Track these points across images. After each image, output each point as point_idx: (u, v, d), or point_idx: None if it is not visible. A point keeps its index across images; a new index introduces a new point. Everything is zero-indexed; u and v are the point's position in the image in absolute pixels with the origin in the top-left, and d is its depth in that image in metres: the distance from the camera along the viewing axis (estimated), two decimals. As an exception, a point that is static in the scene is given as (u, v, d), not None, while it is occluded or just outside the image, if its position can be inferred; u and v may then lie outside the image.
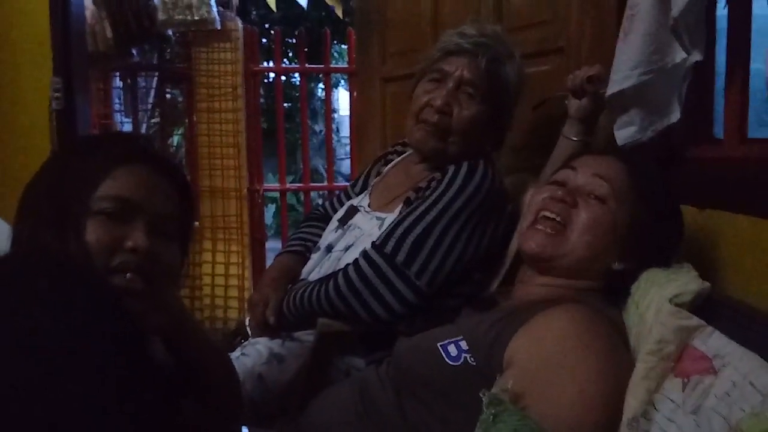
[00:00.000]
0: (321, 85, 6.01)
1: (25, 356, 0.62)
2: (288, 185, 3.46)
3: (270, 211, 5.36)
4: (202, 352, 0.98)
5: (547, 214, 1.05)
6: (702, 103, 1.28)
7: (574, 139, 1.30)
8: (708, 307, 0.84)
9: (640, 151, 1.20)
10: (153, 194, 0.85)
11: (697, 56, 1.06)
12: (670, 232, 1.06)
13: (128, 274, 0.78)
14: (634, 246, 1.02)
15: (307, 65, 3.32)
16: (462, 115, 1.31)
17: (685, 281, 0.87)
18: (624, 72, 1.13)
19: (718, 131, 1.27)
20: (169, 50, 3.11)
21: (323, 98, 4.48)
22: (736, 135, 1.17)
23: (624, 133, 1.17)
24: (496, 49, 1.33)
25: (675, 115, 1.12)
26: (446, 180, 1.28)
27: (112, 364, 0.64)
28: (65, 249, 0.77)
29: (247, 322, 1.47)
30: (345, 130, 5.89)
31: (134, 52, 2.98)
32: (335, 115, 6.80)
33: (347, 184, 1.76)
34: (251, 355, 1.33)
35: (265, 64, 3.94)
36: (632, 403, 0.79)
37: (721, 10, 1.21)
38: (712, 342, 0.76)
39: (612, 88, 1.16)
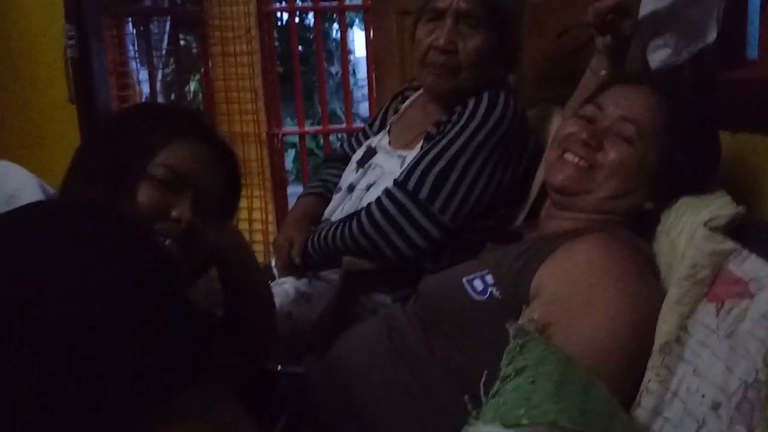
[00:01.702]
0: (335, 26, 5.89)
1: (61, 286, 0.63)
2: (306, 128, 3.43)
3: (289, 156, 5.36)
4: (248, 281, 1.02)
5: (570, 157, 1.02)
6: (735, 23, 1.22)
7: (602, 73, 1.25)
8: (743, 231, 0.82)
9: (673, 76, 1.16)
10: (205, 171, 0.89)
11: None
12: (704, 166, 1.03)
13: (168, 241, 0.83)
14: (666, 184, 0.99)
15: (320, 3, 3.23)
16: (468, 49, 1.27)
17: (719, 205, 0.85)
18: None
19: (752, 52, 1.22)
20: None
21: (338, 39, 4.39)
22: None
23: (658, 56, 1.12)
24: None
25: (711, 36, 1.07)
26: (467, 113, 1.25)
27: (145, 297, 0.65)
28: (113, 205, 0.79)
29: (273, 264, 1.48)
30: (361, 72, 5.80)
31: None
32: (351, 57, 6.69)
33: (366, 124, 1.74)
34: (279, 295, 1.35)
35: (278, 4, 3.85)
36: (664, 329, 0.78)
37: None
38: (748, 265, 0.74)
39: (645, 9, 1.10)
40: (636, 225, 1.01)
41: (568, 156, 1.02)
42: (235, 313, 1.05)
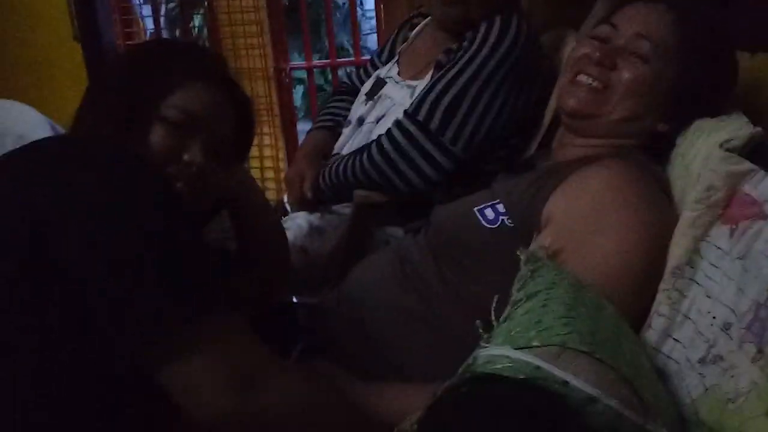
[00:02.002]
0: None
1: (75, 214, 0.64)
2: (314, 62, 3.37)
3: (298, 92, 5.28)
4: (257, 210, 1.03)
5: (583, 78, 0.99)
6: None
7: None
8: (759, 152, 0.80)
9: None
10: (218, 115, 0.88)
11: None
12: (721, 85, 1.00)
13: (178, 184, 0.82)
14: (681, 106, 0.96)
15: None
16: None
17: (736, 127, 0.83)
18: None
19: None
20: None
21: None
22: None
23: None
24: None
25: None
26: (478, 40, 1.22)
27: (158, 230, 0.66)
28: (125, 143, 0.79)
29: (285, 199, 1.49)
30: (369, 3, 5.64)
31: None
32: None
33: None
34: (292, 229, 1.36)
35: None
36: (677, 252, 0.78)
37: None
38: (764, 186, 0.73)
39: None
40: (650, 149, 1.00)
41: (582, 78, 1.00)
42: (248, 250, 1.07)
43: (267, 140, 2.95)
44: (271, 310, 1.12)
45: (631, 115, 0.98)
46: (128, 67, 0.92)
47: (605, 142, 1.01)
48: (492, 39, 1.21)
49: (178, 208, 0.71)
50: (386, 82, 1.40)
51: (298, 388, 0.73)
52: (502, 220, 0.96)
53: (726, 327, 0.67)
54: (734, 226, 0.73)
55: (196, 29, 3.32)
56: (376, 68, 1.52)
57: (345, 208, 1.34)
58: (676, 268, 0.76)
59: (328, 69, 3.41)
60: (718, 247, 0.73)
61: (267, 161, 2.98)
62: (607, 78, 0.98)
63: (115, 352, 0.65)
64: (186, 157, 0.83)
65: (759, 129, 0.83)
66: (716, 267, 0.72)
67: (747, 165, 0.76)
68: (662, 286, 0.78)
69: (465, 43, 1.24)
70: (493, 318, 0.70)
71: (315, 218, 1.37)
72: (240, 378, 0.67)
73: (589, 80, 0.99)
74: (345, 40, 5.61)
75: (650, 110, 0.98)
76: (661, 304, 0.77)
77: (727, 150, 0.78)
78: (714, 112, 0.94)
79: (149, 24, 3.00)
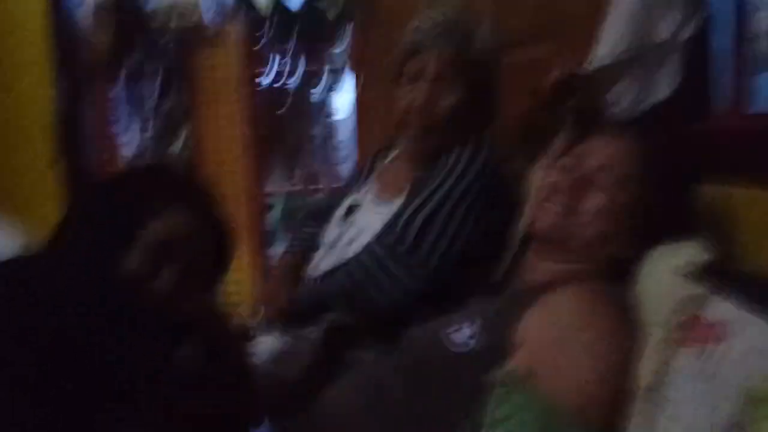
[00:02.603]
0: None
1: None
2: (290, 188, 3.45)
3: (274, 215, 5.34)
4: (223, 339, 1.01)
5: (551, 206, 1.04)
6: (699, 77, 1.27)
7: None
8: (718, 276, 0.83)
9: (642, 125, 1.19)
10: (196, 243, 0.89)
11: (689, 31, 1.06)
12: (681, 213, 1.06)
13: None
14: (644, 232, 1.01)
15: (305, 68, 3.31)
16: (445, 108, 1.30)
17: (692, 252, 0.87)
18: (609, 47, 1.12)
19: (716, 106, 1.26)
20: (166, 57, 3.10)
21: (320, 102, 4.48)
22: (735, 107, 1.17)
23: (617, 107, 1.16)
24: (457, 30, 1.31)
25: (665, 91, 1.11)
26: (447, 168, 1.28)
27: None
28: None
29: (254, 322, 1.47)
30: (347, 127, 5.86)
31: (132, 59, 2.97)
32: (331, 119, 6.75)
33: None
34: (261, 352, 1.33)
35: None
36: (644, 375, 0.78)
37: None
38: (723, 310, 0.75)
39: (597, 63, 1.15)
40: (616, 271, 1.03)
41: (550, 204, 1.04)
42: (214, 374, 1.04)
43: (241, 263, 2.96)
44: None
45: (597, 239, 1.02)
46: (106, 194, 0.93)
47: (571, 267, 1.04)
48: (460, 167, 1.27)
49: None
50: (359, 207, 1.44)
51: None
52: (471, 343, 0.96)
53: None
54: (698, 349, 0.74)
55: (179, 152, 3.39)
56: (349, 194, 1.57)
57: (315, 332, 1.33)
58: (645, 389, 0.77)
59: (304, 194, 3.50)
60: (685, 370, 0.74)
61: (242, 280, 2.97)
62: (574, 206, 1.02)
63: None
64: (157, 283, 0.83)
65: (716, 255, 0.86)
66: (683, 390, 0.73)
67: (704, 290, 0.79)
68: (633, 408, 0.78)
69: (435, 171, 1.30)
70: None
71: (284, 342, 1.35)
72: None
73: (558, 207, 1.03)
74: (322, 162, 5.77)
75: (615, 235, 1.02)
76: (633, 425, 0.76)
77: (686, 275, 0.81)
78: (673, 236, 0.98)
79: (129, 150, 3.06)
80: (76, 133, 2.00)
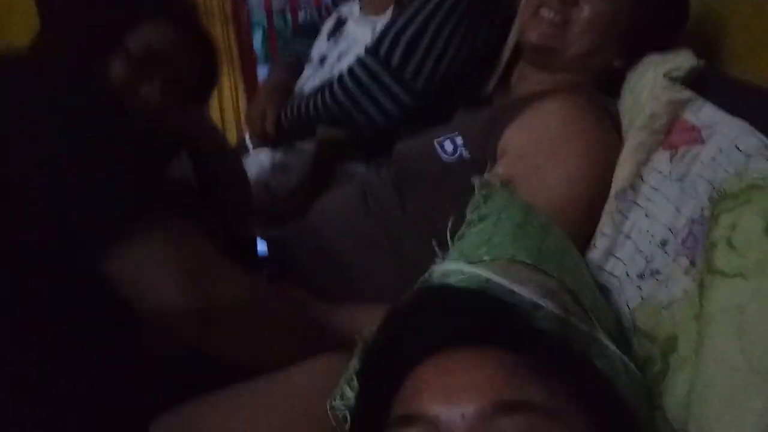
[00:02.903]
0: None
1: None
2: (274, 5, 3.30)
3: (257, 37, 5.14)
4: (216, 154, 1.03)
5: (545, 13, 1.02)
6: None
7: None
8: (701, 83, 0.84)
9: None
10: (181, 54, 0.87)
11: None
12: (672, 22, 1.04)
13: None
14: (637, 41, 1.00)
15: None
16: None
17: (681, 59, 0.87)
18: None
19: None
20: None
21: None
22: None
23: None
24: None
25: None
26: None
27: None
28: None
29: (247, 136, 1.49)
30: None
31: None
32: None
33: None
34: (254, 166, 1.37)
35: None
36: (620, 176, 0.82)
37: None
38: (703, 114, 0.77)
39: None
40: (604, 84, 1.04)
41: (543, 12, 1.02)
42: (208, 188, 1.07)
43: (226, 81, 2.91)
44: (234, 244, 1.14)
45: (590, 50, 1.01)
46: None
47: (563, 76, 1.04)
48: (451, -25, 1.21)
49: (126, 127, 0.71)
50: (347, 20, 1.40)
51: (247, 284, 0.72)
52: (461, 152, 0.99)
53: (663, 243, 0.73)
54: (674, 151, 0.77)
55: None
56: (337, 6, 1.52)
57: (308, 145, 1.36)
58: (619, 191, 0.81)
59: (288, 12, 3.34)
60: (659, 171, 0.78)
61: (226, 103, 2.94)
62: (568, 13, 1.00)
63: (64, 257, 0.64)
64: (143, 92, 0.83)
65: (702, 61, 0.87)
66: (656, 189, 0.77)
67: (688, 93, 0.80)
68: (606, 208, 0.83)
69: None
70: (448, 238, 0.74)
71: (277, 155, 1.38)
72: (188, 270, 0.65)
73: (551, 14, 1.01)
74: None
75: (608, 46, 1.01)
76: (604, 225, 0.81)
77: (670, 79, 0.82)
78: (667, 47, 0.98)
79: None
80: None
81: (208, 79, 0.99)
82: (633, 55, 1.00)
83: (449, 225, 0.76)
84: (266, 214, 1.31)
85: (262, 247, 1.26)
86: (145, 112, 0.83)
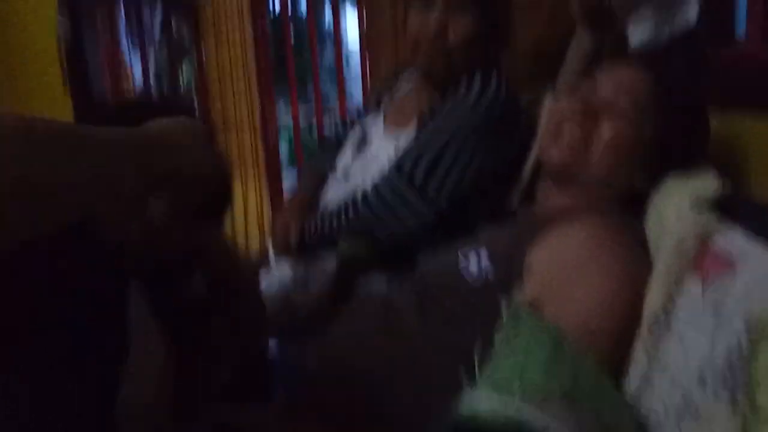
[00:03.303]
0: (327, 10, 5.85)
1: None
2: (300, 118, 3.43)
3: (283, 142, 5.34)
4: (229, 272, 1.02)
5: (566, 131, 1.03)
6: (723, 2, 1.23)
7: (585, 46, 1.27)
8: (729, 207, 0.83)
9: (661, 55, 1.17)
10: (193, 167, 0.84)
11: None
12: (694, 143, 1.05)
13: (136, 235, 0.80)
14: (658, 162, 1.01)
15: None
16: (458, 32, 1.28)
17: (706, 182, 0.87)
18: None
19: (740, 32, 1.23)
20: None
21: (331, 28, 4.39)
22: (759, 35, 1.14)
23: (638, 34, 1.13)
24: None
25: (691, 16, 1.08)
26: (460, 96, 1.27)
27: None
28: None
29: (269, 249, 1.50)
30: (355, 57, 5.77)
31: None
32: (344, 41, 6.63)
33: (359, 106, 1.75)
34: (275, 279, 1.37)
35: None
36: (652, 303, 0.80)
37: None
38: (733, 240, 0.76)
39: None
40: (629, 203, 1.03)
41: (565, 131, 1.03)
42: (219, 303, 1.06)
43: (251, 189, 2.98)
44: (247, 362, 1.11)
45: (611, 170, 1.02)
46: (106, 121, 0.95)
47: (587, 194, 1.05)
48: (473, 95, 1.25)
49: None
50: (371, 135, 1.44)
51: None
52: (486, 269, 0.98)
53: (701, 380, 0.69)
54: (706, 279, 0.75)
55: (184, 79, 3.38)
56: (361, 121, 1.56)
57: (330, 259, 1.36)
58: (651, 317, 0.78)
59: (314, 119, 3.48)
60: (691, 299, 0.76)
61: (251, 210, 3.00)
62: (588, 132, 1.01)
63: None
64: (154, 206, 0.84)
65: (728, 184, 0.86)
66: (690, 318, 0.74)
67: (716, 218, 0.79)
68: (638, 334, 0.80)
69: (447, 99, 1.29)
70: (476, 365, 0.72)
71: (299, 269, 1.38)
72: None
73: (572, 133, 1.02)
74: (331, 91, 5.72)
75: (630, 167, 1.02)
76: (638, 353, 0.78)
77: (697, 204, 0.82)
78: (687, 167, 0.97)
79: (137, 74, 3.04)
80: (82, 59, 1.98)
81: (221, 199, 0.99)
82: (656, 175, 1.00)
83: (476, 352, 0.73)
84: (285, 330, 1.29)
85: (277, 364, 1.23)
86: (155, 228, 0.82)
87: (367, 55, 2.56)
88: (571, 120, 1.03)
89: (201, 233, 0.96)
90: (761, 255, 0.71)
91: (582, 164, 1.03)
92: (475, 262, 1.00)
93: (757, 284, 0.67)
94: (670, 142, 1.01)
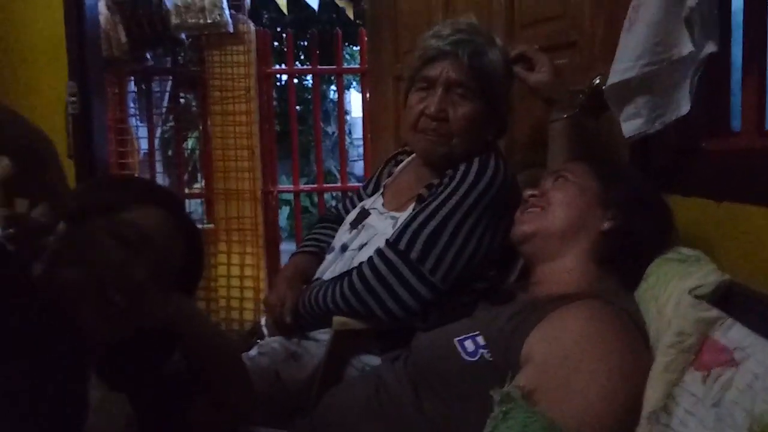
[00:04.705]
0: (333, 87, 6.02)
1: None
2: (301, 186, 3.47)
3: (284, 213, 5.39)
4: (209, 352, 1.00)
5: (523, 215, 1.15)
6: (718, 95, 1.26)
7: (556, 119, 1.33)
8: (728, 300, 0.82)
9: (654, 143, 1.19)
10: (167, 240, 0.89)
11: (711, 48, 1.05)
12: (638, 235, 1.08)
13: (117, 297, 0.80)
14: (611, 200, 1.08)
15: (319, 66, 3.33)
16: (458, 116, 1.31)
17: (705, 273, 0.86)
18: (626, 63, 1.11)
19: (736, 124, 1.25)
20: (182, 54, 3.13)
21: (335, 100, 4.50)
22: (754, 127, 1.16)
23: (631, 125, 1.15)
24: (474, 41, 1.31)
25: (684, 108, 1.10)
26: (458, 176, 1.28)
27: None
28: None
29: (263, 322, 1.47)
30: (358, 132, 5.90)
31: (148, 56, 3.01)
32: (348, 117, 6.81)
33: (360, 185, 1.76)
34: (268, 353, 1.34)
35: (278, 66, 3.96)
36: (652, 397, 0.78)
37: (737, 2, 1.20)
38: (733, 334, 0.75)
39: (612, 79, 1.14)
40: (621, 280, 1.05)
41: (526, 207, 1.17)
42: (200, 385, 1.03)
43: (249, 260, 2.98)
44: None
45: (570, 219, 1.09)
46: (93, 188, 0.96)
47: (570, 264, 1.07)
48: (471, 176, 1.27)
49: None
50: (370, 213, 1.44)
51: None
52: (482, 353, 0.96)
53: (703, 478, 0.66)
54: (707, 373, 0.74)
55: (189, 150, 3.44)
56: (361, 199, 1.57)
57: (323, 335, 1.33)
58: (652, 413, 0.76)
59: (315, 193, 3.51)
60: (692, 394, 0.74)
61: (247, 281, 2.98)
62: (541, 204, 1.13)
63: None
64: (130, 273, 0.82)
65: (727, 276, 0.86)
66: (691, 414, 0.72)
67: (716, 312, 0.78)
68: (639, 431, 0.77)
69: (445, 180, 1.30)
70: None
71: (292, 343, 1.35)
72: None
73: (531, 208, 1.14)
74: (333, 166, 5.82)
75: (586, 213, 1.08)
76: (639, 450, 0.76)
77: (696, 297, 0.81)
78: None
79: (143, 144, 3.10)
80: (90, 129, 2.02)
81: (194, 270, 0.99)
82: (617, 212, 1.06)
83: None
84: (275, 407, 1.25)
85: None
86: (127, 294, 0.81)
87: (368, 129, 2.62)
88: (525, 210, 1.16)
89: (174, 308, 0.95)
90: (762, 349, 0.69)
91: (543, 226, 1.10)
92: (471, 344, 0.98)
93: (757, 380, 0.66)
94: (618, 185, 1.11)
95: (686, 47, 1.04)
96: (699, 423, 0.71)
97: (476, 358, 0.96)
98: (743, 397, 0.67)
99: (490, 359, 0.95)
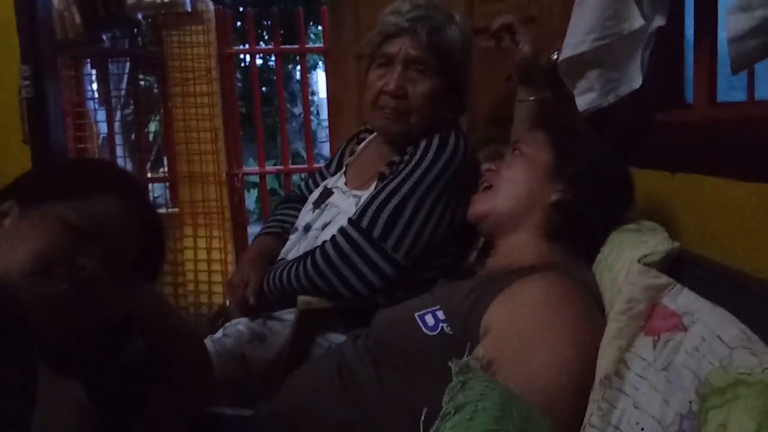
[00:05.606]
0: (299, 68, 5.96)
1: None
2: (267, 168, 3.45)
3: (252, 196, 5.34)
4: (169, 337, 0.99)
5: (475, 195, 1.19)
6: (672, 68, 1.28)
7: (522, 99, 1.35)
8: (678, 267, 0.85)
9: (611, 117, 1.20)
10: (123, 229, 0.87)
11: (659, 21, 1.06)
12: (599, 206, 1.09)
13: (64, 285, 0.78)
14: (562, 172, 1.09)
15: (281, 46, 3.29)
16: (417, 93, 1.31)
17: (656, 242, 0.88)
18: (577, 37, 1.12)
19: (690, 97, 1.28)
20: (139, 35, 3.06)
21: (301, 81, 4.46)
22: (706, 99, 1.18)
23: (584, 99, 1.17)
24: (433, 18, 1.31)
25: (637, 82, 1.12)
26: (418, 153, 1.28)
27: None
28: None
29: (228, 304, 1.47)
30: (324, 113, 5.86)
31: (104, 38, 2.93)
32: (314, 98, 6.74)
33: (324, 164, 1.75)
34: (233, 335, 1.33)
35: (240, 47, 3.90)
36: (604, 363, 0.80)
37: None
38: (682, 299, 0.77)
39: (565, 53, 1.15)
40: (578, 251, 1.07)
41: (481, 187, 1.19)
42: (162, 371, 1.02)
43: (216, 243, 2.95)
44: (201, 423, 1.07)
45: (519, 194, 1.11)
46: (50, 173, 0.94)
47: (525, 238, 1.10)
48: (431, 153, 1.27)
49: None
50: (333, 192, 1.44)
51: None
52: (442, 327, 0.97)
53: (654, 439, 0.68)
54: (656, 338, 0.75)
55: (152, 134, 3.37)
56: (324, 178, 1.57)
57: (288, 314, 1.33)
58: (604, 378, 0.78)
59: (282, 174, 3.48)
60: (643, 359, 0.76)
61: (215, 264, 2.96)
62: (493, 180, 1.16)
63: None
64: (80, 262, 0.80)
65: (676, 244, 0.88)
66: (642, 378, 0.74)
67: (665, 279, 0.80)
68: (592, 396, 0.79)
69: (406, 157, 1.30)
70: (427, 422, 0.70)
71: (257, 324, 1.35)
72: None
73: (483, 188, 1.18)
74: (300, 147, 5.77)
75: (534, 186, 1.10)
76: (592, 415, 0.77)
77: (646, 264, 0.83)
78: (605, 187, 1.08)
79: (103, 128, 3.03)
80: (45, 113, 1.96)
81: (154, 258, 0.97)
82: (566, 184, 1.08)
83: (422, 417, 0.71)
84: (241, 388, 1.25)
85: (231, 425, 1.19)
86: (78, 282, 0.80)
87: (331, 108, 2.60)
88: (480, 185, 1.18)
89: (135, 295, 0.93)
90: (708, 314, 0.71)
91: (493, 204, 1.14)
92: (432, 318, 0.99)
93: (704, 343, 0.68)
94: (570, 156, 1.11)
95: (637, 21, 1.05)
96: (650, 386, 0.72)
97: (437, 332, 0.97)
98: (691, 360, 0.69)
99: (451, 333, 0.96)
